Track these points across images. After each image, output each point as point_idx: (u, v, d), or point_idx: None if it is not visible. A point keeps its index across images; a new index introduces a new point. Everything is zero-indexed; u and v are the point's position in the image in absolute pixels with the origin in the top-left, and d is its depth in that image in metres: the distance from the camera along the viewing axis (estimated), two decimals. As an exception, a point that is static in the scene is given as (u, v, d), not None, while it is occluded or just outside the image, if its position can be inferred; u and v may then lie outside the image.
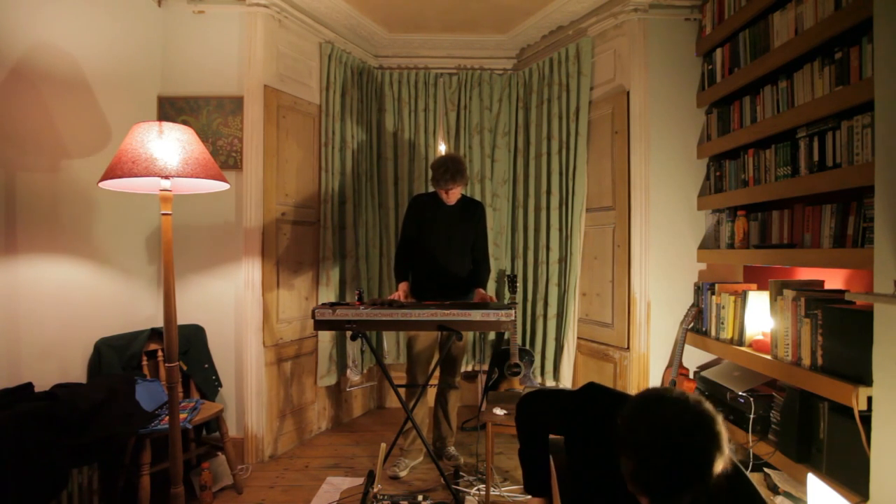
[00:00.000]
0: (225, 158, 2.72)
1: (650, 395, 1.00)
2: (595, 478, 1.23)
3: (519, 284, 3.13)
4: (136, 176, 1.59)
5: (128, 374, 2.23)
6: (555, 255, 3.17)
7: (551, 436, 1.46)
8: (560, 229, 3.16)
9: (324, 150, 3.12)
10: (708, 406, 0.95)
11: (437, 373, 2.62)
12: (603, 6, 2.89)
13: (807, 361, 1.83)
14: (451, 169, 2.50)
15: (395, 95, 3.49)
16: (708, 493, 0.94)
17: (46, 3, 2.12)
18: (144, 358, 2.38)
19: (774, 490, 1.95)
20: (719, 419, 0.94)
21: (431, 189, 2.71)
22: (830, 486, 1.63)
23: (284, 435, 2.92)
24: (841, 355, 1.67)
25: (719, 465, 0.91)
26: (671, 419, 0.93)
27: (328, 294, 3.15)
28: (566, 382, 3.10)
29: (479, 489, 2.41)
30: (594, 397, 1.32)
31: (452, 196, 2.59)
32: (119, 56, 2.48)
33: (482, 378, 3.44)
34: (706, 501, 0.97)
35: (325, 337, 3.13)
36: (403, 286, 2.63)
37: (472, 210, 2.72)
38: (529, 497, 1.44)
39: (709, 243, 2.73)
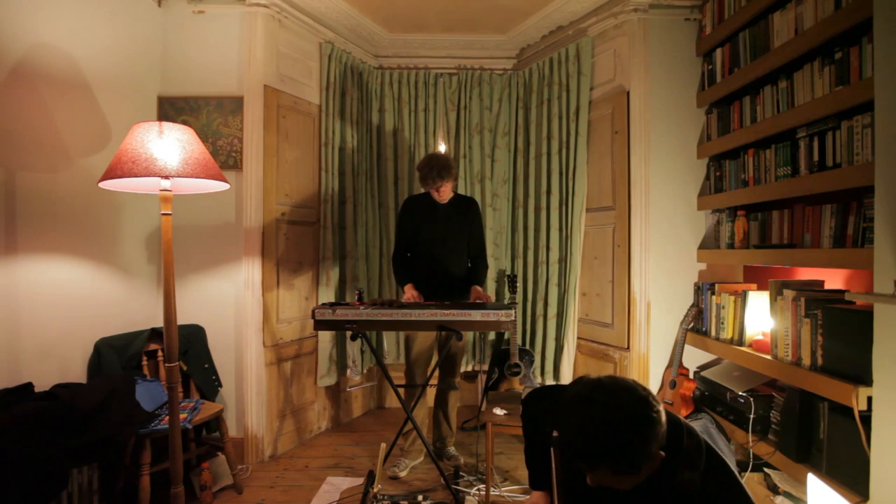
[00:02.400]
0: (225, 158, 2.72)
1: (576, 399, 1.04)
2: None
3: (519, 284, 3.13)
4: (136, 176, 1.59)
5: (128, 375, 2.23)
6: (555, 255, 3.17)
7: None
8: (560, 229, 3.16)
9: (324, 149, 3.12)
10: (634, 400, 1.00)
11: (436, 373, 2.61)
12: (603, 6, 2.89)
13: (807, 361, 1.83)
14: (436, 166, 2.47)
15: (395, 95, 3.49)
16: (681, 486, 1.03)
17: (46, 3, 2.12)
18: (144, 358, 2.38)
19: (774, 490, 1.95)
20: (646, 410, 0.99)
21: (423, 190, 2.67)
22: (830, 486, 1.63)
23: (284, 435, 2.92)
24: (841, 355, 1.67)
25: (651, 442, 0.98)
26: (594, 423, 0.98)
27: (328, 294, 3.15)
28: (566, 382, 3.10)
29: (479, 489, 2.41)
30: None
31: (444, 193, 2.56)
32: (119, 56, 2.48)
33: (482, 378, 3.44)
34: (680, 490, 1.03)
35: (325, 337, 3.13)
36: (410, 287, 2.57)
37: (466, 207, 2.70)
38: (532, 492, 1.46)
39: (709, 243, 2.73)
